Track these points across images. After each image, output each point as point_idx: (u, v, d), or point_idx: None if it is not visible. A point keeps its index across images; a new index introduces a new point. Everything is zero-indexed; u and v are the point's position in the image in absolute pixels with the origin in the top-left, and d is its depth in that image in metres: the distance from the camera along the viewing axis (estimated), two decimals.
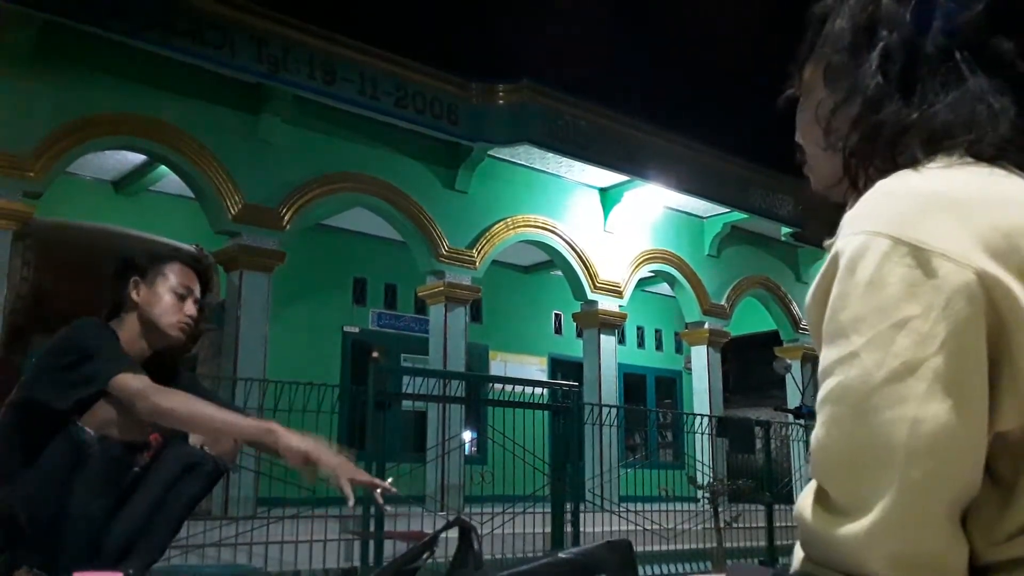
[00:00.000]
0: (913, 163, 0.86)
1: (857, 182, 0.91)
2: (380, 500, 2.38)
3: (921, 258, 0.76)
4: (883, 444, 0.75)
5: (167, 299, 2.63)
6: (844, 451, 0.78)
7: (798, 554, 0.86)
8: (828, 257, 0.83)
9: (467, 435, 11.02)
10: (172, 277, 2.66)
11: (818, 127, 0.97)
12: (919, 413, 0.74)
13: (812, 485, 0.83)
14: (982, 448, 0.76)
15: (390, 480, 2.35)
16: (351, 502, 2.25)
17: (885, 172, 0.87)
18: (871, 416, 0.76)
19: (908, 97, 0.88)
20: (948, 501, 0.75)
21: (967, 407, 0.74)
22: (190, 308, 2.66)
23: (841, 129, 0.93)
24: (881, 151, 0.88)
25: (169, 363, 2.70)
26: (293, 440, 2.27)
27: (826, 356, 0.81)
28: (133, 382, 2.37)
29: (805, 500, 0.83)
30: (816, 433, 0.81)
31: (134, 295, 2.62)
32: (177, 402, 2.37)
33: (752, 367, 16.13)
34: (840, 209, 0.90)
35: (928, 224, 0.78)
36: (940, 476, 0.74)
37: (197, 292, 2.71)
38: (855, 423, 0.77)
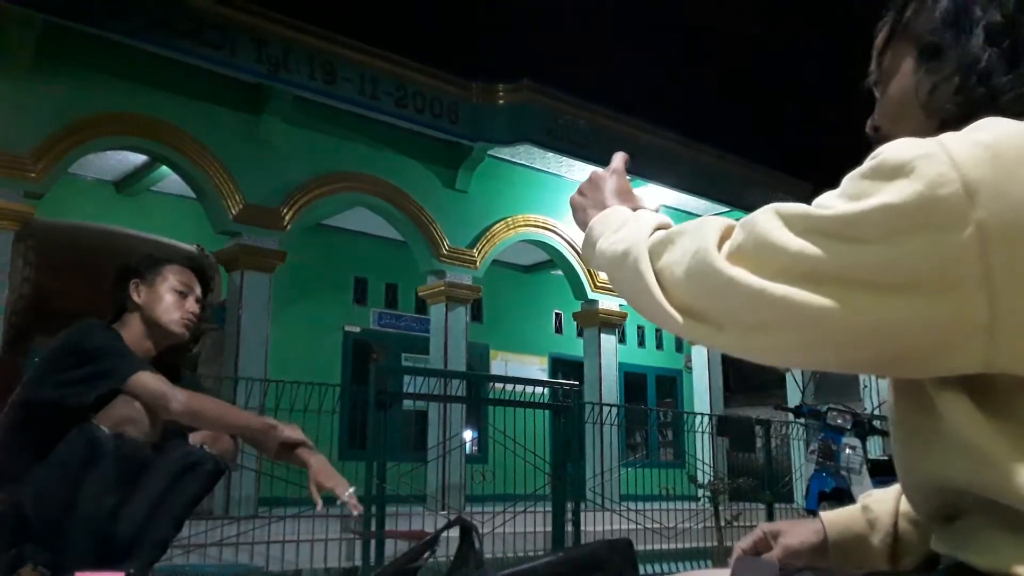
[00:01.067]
0: None
1: None
2: (352, 505, 2.42)
3: (948, 177, 0.78)
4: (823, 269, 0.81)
5: (168, 298, 2.67)
6: (762, 238, 0.84)
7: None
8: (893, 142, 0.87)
9: (468, 434, 11.03)
10: (171, 277, 2.70)
11: (911, 107, 1.00)
12: (843, 274, 0.80)
13: (718, 234, 0.89)
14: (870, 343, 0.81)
15: (351, 490, 2.40)
16: (319, 506, 2.44)
17: None
18: (819, 244, 0.81)
19: (1015, 71, 0.92)
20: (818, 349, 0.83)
21: (886, 304, 0.79)
22: (192, 305, 2.70)
23: (943, 105, 0.96)
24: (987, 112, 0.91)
25: (172, 364, 2.72)
26: (288, 431, 2.47)
27: (827, 196, 0.86)
28: (156, 382, 2.42)
29: (709, 237, 0.89)
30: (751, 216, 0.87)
31: (135, 297, 2.65)
32: (205, 402, 2.49)
33: (752, 366, 16.12)
34: None
35: (982, 157, 0.80)
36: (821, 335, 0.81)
37: (197, 290, 2.75)
38: (804, 243, 0.82)
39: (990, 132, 0.83)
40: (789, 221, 0.85)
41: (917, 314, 0.79)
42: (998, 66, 0.93)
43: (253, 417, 2.64)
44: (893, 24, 1.05)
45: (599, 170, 1.18)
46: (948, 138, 0.82)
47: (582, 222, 1.12)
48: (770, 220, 0.86)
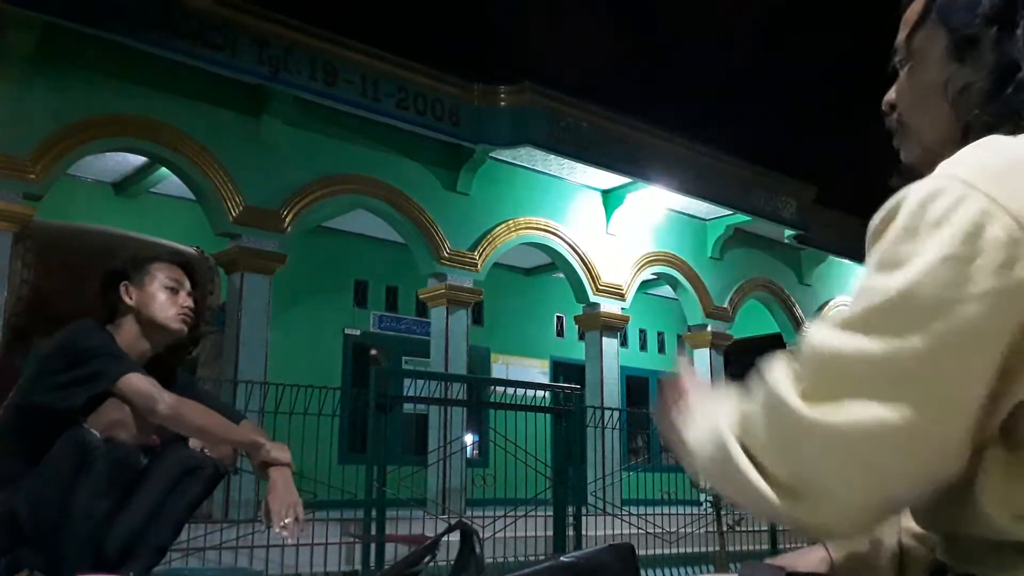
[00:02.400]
0: None
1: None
2: (283, 529, 2.39)
3: (991, 210, 0.75)
4: (870, 365, 0.76)
5: (161, 295, 2.65)
6: (830, 353, 0.79)
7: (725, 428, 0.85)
8: (902, 192, 0.83)
9: (468, 438, 11.00)
10: (160, 274, 2.69)
11: (937, 101, 0.95)
12: (922, 352, 0.74)
13: (790, 365, 0.83)
14: (972, 405, 0.75)
15: (288, 520, 2.37)
16: (275, 528, 2.39)
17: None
18: (873, 337, 0.76)
19: None
20: (917, 452, 0.75)
21: (972, 371, 0.74)
22: (185, 299, 2.69)
23: (974, 111, 0.91)
24: (1011, 121, 0.87)
25: (168, 365, 2.70)
26: (275, 452, 2.46)
27: (866, 280, 0.81)
28: (144, 384, 2.39)
29: (781, 374, 0.83)
30: (814, 329, 0.82)
31: (127, 299, 2.63)
32: (193, 410, 2.46)
33: (755, 370, 16.10)
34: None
35: (1010, 183, 0.77)
36: (918, 422, 0.74)
37: (187, 285, 2.74)
38: (854, 336, 0.77)
39: (1001, 156, 0.80)
40: (849, 324, 0.79)
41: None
42: None
43: (240, 432, 2.58)
44: (928, 2, 0.98)
45: (669, 380, 1.09)
46: (962, 172, 0.78)
47: (678, 444, 1.00)
48: (828, 334, 0.80)
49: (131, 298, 2.64)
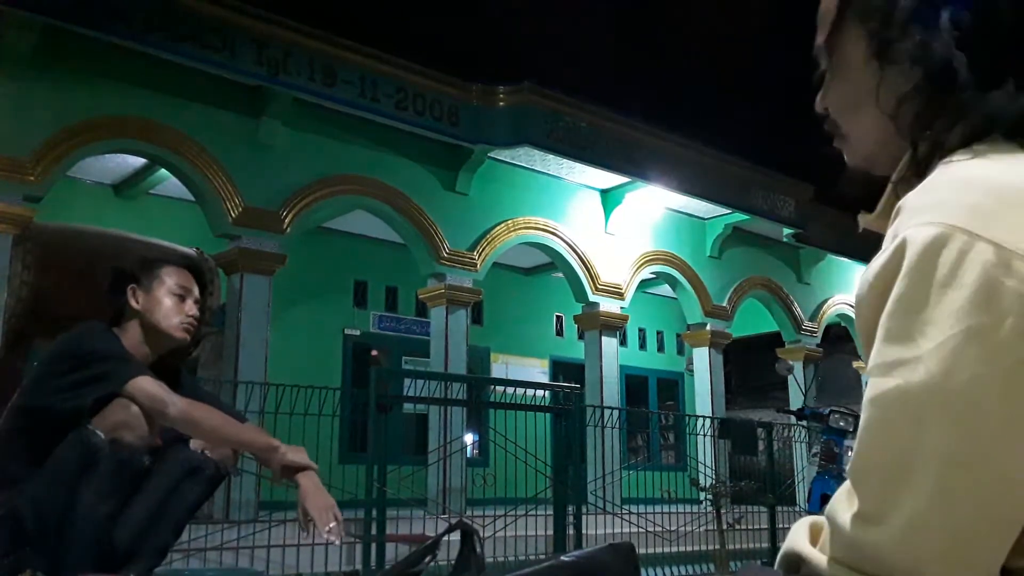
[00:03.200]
0: (986, 143, 0.80)
1: (923, 164, 0.83)
2: (329, 533, 2.40)
3: (1003, 259, 0.70)
4: (937, 458, 0.70)
5: (167, 302, 2.64)
6: (890, 458, 0.73)
7: (812, 552, 0.83)
8: (891, 245, 0.76)
9: (469, 438, 11.01)
10: (168, 280, 2.67)
11: (859, 99, 0.89)
12: (983, 432, 0.69)
13: (846, 486, 0.79)
14: None
15: (333, 525, 2.38)
16: (307, 532, 2.42)
17: (951, 151, 0.81)
18: (929, 426, 0.70)
19: (985, 75, 0.81)
20: (1000, 524, 0.71)
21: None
22: (191, 308, 2.67)
23: (901, 107, 0.85)
24: (958, 131, 0.81)
25: (172, 367, 2.71)
26: (291, 454, 2.46)
27: (883, 353, 0.74)
28: (154, 387, 2.39)
29: (838, 503, 0.79)
30: (860, 435, 0.76)
31: (133, 303, 2.62)
32: (205, 413, 2.46)
33: (754, 369, 16.13)
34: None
35: (1010, 221, 0.72)
36: (995, 498, 0.70)
37: (196, 292, 2.72)
38: (910, 430, 0.71)
39: (986, 189, 0.75)
40: (895, 422, 0.73)
41: None
42: (962, 72, 0.80)
43: (255, 434, 2.58)
44: (840, 5, 0.91)
45: None
46: (957, 217, 0.73)
47: None
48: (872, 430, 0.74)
49: (137, 301, 2.63)
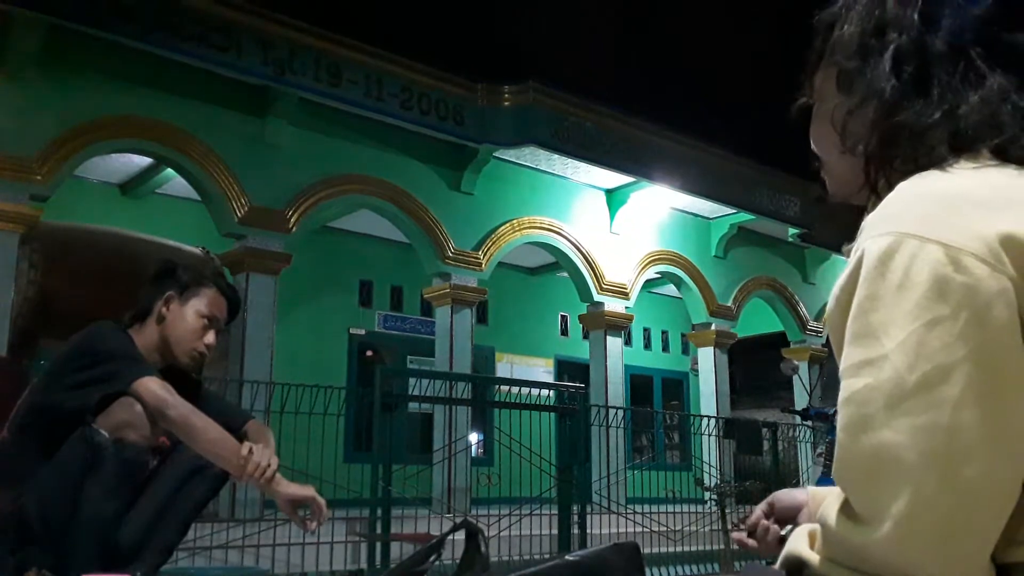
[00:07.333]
0: (937, 164, 0.84)
1: (877, 185, 0.90)
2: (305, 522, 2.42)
3: (951, 257, 0.74)
4: (914, 450, 0.72)
5: (193, 324, 2.62)
6: (870, 456, 0.75)
7: (812, 555, 0.84)
8: (852, 259, 0.81)
9: (473, 437, 11.01)
10: (204, 302, 2.65)
11: (834, 133, 0.96)
12: (953, 420, 0.71)
13: (837, 490, 0.81)
14: (1021, 454, 0.73)
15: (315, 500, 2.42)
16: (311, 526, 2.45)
17: (906, 174, 0.85)
18: (901, 421, 0.73)
19: (926, 98, 0.87)
20: (985, 511, 0.73)
21: (1003, 414, 0.72)
22: (211, 338, 2.66)
23: (858, 133, 0.91)
24: (903, 153, 0.87)
25: (194, 380, 2.72)
26: (291, 488, 2.42)
27: (850, 356, 0.78)
28: (160, 390, 2.39)
29: (829, 506, 0.81)
30: (839, 437, 0.78)
31: (163, 309, 2.62)
32: (205, 424, 2.41)
33: (759, 368, 16.09)
34: (854, 211, 0.89)
35: (957, 224, 0.76)
36: (976, 485, 0.71)
37: (222, 324, 2.71)
38: (883, 428, 0.74)
39: (924, 201, 0.79)
40: (873, 419, 0.75)
41: None
42: (905, 96, 0.87)
43: (238, 465, 2.38)
44: (821, 44, 1.00)
45: None
46: (899, 225, 0.77)
47: None
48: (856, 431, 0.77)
49: (168, 309, 2.62)
